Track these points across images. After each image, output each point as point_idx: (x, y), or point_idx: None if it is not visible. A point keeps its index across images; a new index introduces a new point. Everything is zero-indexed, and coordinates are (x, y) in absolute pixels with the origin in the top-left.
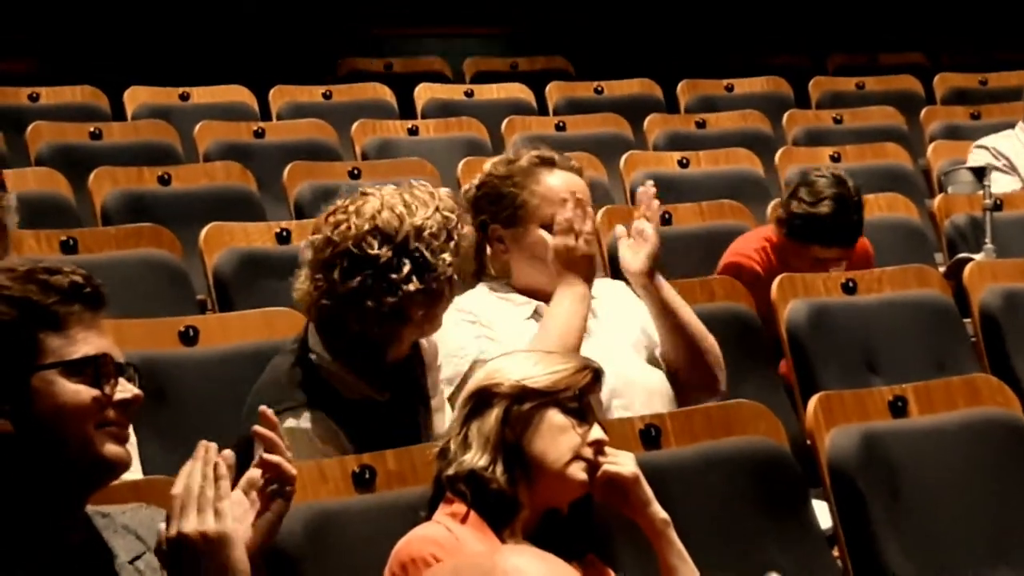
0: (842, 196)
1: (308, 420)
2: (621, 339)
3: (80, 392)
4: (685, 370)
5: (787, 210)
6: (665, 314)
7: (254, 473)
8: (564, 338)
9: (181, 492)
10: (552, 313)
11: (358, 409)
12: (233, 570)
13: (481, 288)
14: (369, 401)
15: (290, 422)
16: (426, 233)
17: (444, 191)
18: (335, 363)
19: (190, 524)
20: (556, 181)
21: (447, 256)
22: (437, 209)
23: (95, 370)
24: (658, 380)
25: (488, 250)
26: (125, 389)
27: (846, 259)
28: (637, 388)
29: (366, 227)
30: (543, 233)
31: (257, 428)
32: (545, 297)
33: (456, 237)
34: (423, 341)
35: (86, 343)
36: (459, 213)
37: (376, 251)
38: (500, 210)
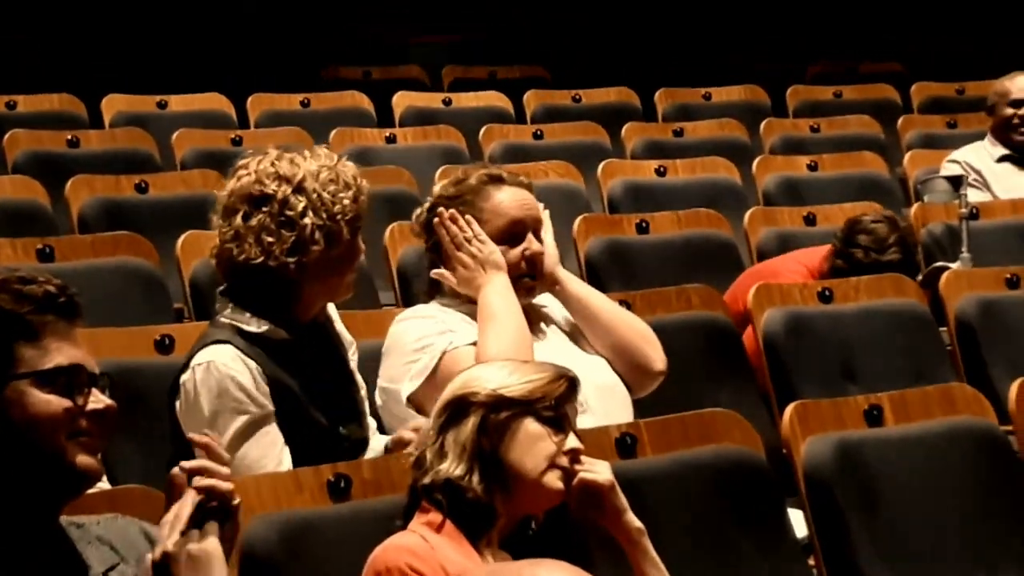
0: (903, 239)
1: (213, 353)
2: (567, 342)
3: (52, 402)
4: (615, 357)
5: (850, 260)
6: (578, 308)
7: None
8: (506, 320)
9: (171, 518)
10: (485, 304)
11: (265, 341)
12: None
13: (434, 304)
14: (275, 336)
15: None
16: (322, 176)
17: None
18: (242, 312)
19: (174, 543)
20: (505, 197)
21: (346, 200)
22: (334, 166)
23: (67, 380)
24: (607, 375)
25: (442, 268)
26: (98, 400)
27: None
28: (588, 386)
29: (264, 170)
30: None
31: (194, 436)
32: None
33: (355, 188)
34: (339, 326)
35: (59, 353)
36: (360, 182)
37: (273, 190)
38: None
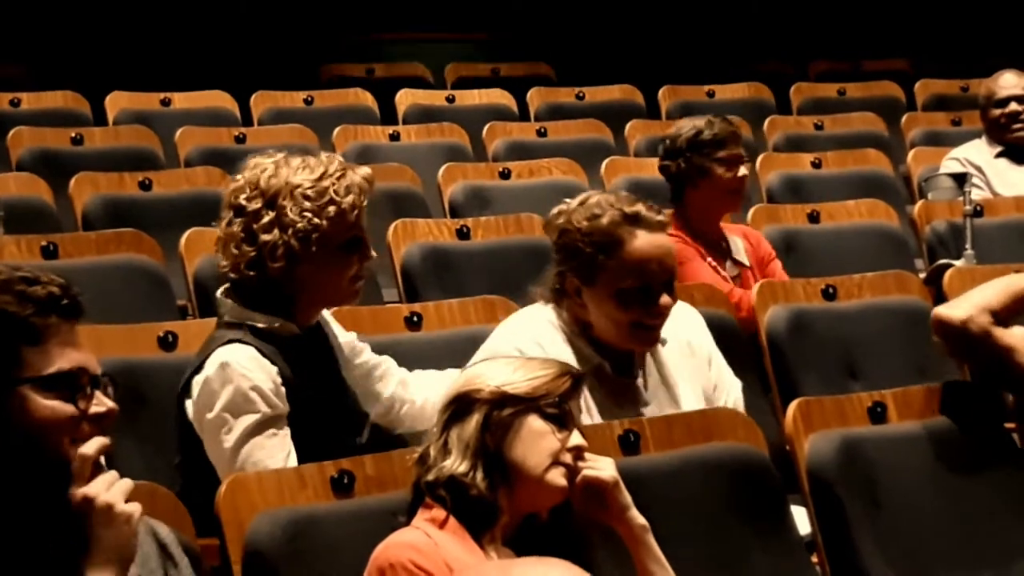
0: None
1: (230, 353)
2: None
3: (55, 408)
4: None
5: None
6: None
7: None
8: None
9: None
10: None
11: (277, 338)
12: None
13: (554, 323)
14: (286, 335)
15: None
16: (298, 191)
17: (363, 170)
18: (249, 311)
19: (102, 494)
20: (638, 246)
21: (316, 219)
22: (324, 176)
23: (70, 385)
24: None
25: (564, 298)
26: (100, 403)
27: None
28: None
29: (251, 179)
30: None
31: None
32: (618, 353)
33: (341, 202)
34: (341, 339)
35: (62, 357)
36: (359, 190)
37: (244, 202)
38: (578, 266)
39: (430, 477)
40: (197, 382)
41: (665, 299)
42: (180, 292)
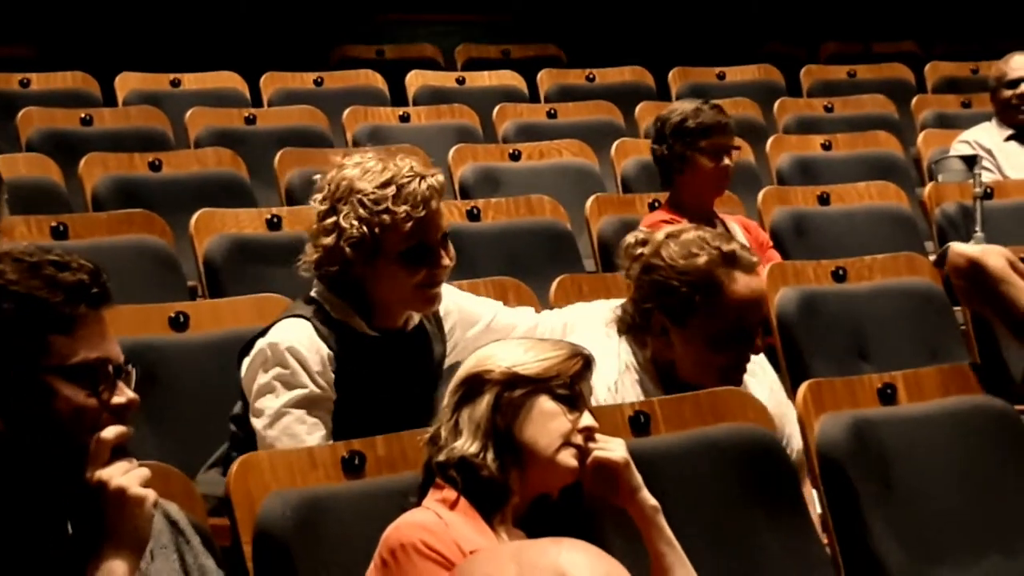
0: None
1: (289, 326)
2: None
3: (78, 398)
4: None
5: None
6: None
7: None
8: None
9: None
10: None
11: (345, 329)
12: (145, 534)
13: (626, 359)
14: (357, 331)
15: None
16: (356, 198)
17: (433, 179)
18: (333, 296)
19: (116, 477)
20: (738, 290)
21: (363, 225)
22: (386, 184)
23: (94, 376)
24: None
25: (650, 334)
26: (122, 393)
27: None
28: None
29: (332, 177)
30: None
31: None
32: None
33: (392, 213)
34: (447, 346)
35: (88, 345)
36: (420, 200)
37: (319, 203)
38: (669, 304)
39: (441, 458)
40: (258, 344)
41: (757, 344)
42: (190, 273)
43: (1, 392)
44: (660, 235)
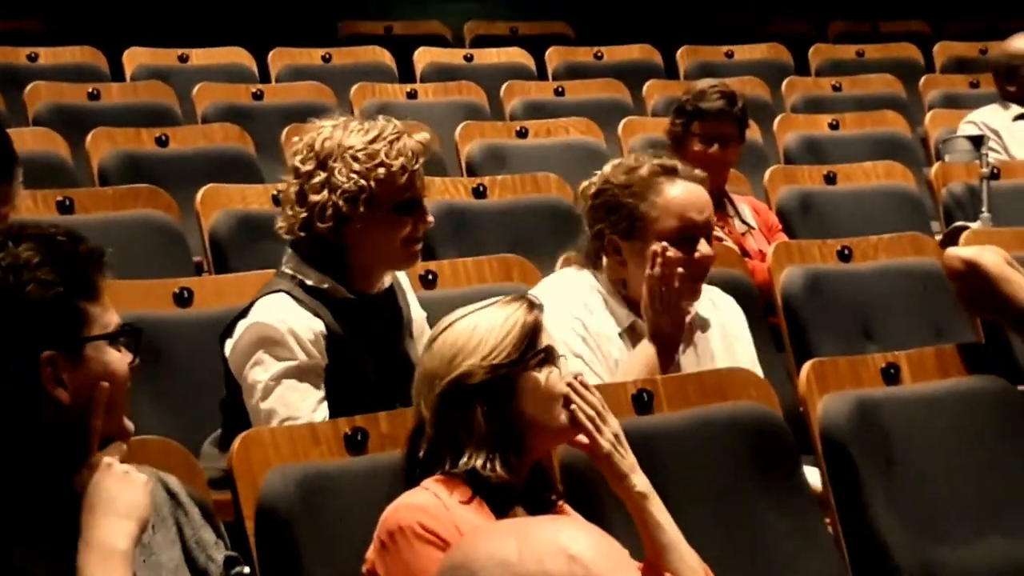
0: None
1: (270, 301)
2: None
3: (124, 360)
4: None
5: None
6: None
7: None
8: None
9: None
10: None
11: (325, 296)
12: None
13: (592, 285)
14: (337, 296)
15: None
16: (349, 153)
17: (420, 134)
18: (307, 266)
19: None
20: (677, 192)
21: (361, 179)
22: (377, 139)
23: (129, 338)
24: None
25: (604, 259)
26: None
27: None
28: None
29: (309, 141)
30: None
31: None
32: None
33: (386, 166)
34: (414, 313)
35: (112, 312)
36: (411, 153)
37: (300, 164)
38: (618, 221)
39: (445, 468)
40: (241, 325)
41: (704, 247)
42: (196, 248)
43: (65, 364)
44: (606, 167)
